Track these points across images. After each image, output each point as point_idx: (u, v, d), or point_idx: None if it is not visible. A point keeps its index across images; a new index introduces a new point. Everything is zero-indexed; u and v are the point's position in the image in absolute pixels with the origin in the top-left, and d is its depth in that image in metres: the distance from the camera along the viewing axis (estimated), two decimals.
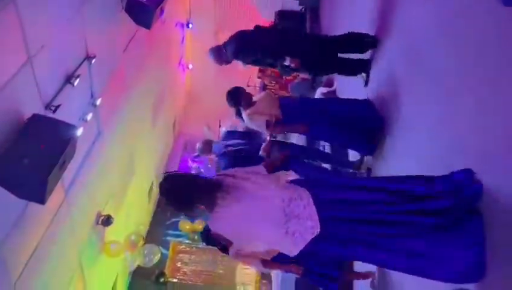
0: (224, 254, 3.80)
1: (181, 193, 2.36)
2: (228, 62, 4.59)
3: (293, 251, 2.34)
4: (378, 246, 2.30)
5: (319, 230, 2.26)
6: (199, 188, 2.37)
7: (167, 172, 2.46)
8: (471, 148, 2.48)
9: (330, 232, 2.29)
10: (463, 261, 2.22)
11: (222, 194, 2.36)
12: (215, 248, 3.76)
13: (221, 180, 2.44)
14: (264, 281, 9.70)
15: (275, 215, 2.28)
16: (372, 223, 2.29)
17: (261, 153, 4.34)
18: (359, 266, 3.94)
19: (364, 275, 3.85)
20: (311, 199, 2.30)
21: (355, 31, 4.50)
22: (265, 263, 3.28)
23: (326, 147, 5.77)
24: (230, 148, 4.76)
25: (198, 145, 5.03)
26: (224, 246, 3.61)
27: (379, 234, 2.29)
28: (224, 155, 4.78)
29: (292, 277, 5.56)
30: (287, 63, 4.38)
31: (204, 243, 3.99)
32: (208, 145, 4.99)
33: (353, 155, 4.83)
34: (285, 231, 2.28)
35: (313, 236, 2.27)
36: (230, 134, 5.18)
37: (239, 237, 2.54)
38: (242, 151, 4.69)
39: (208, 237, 3.70)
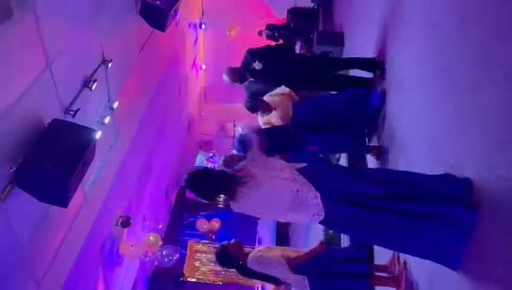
0: (242, 277, 3.87)
1: (209, 184, 2.69)
2: (241, 82, 4.75)
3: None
4: (373, 229, 2.51)
5: (323, 216, 2.54)
6: (221, 179, 2.69)
7: (192, 168, 2.72)
8: (480, 142, 2.45)
9: (332, 218, 2.57)
10: (446, 241, 2.32)
11: (241, 185, 2.63)
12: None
13: (239, 173, 2.71)
14: None
15: (285, 204, 2.55)
16: (372, 209, 2.48)
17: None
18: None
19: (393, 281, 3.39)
20: (318, 193, 2.56)
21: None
22: (290, 258, 3.39)
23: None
24: None
25: (220, 162, 4.83)
26: (240, 265, 3.64)
27: (377, 222, 2.48)
28: None
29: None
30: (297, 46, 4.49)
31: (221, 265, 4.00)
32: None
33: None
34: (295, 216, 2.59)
35: (318, 221, 2.56)
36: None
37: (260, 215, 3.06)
38: None
39: (225, 258, 3.71)
